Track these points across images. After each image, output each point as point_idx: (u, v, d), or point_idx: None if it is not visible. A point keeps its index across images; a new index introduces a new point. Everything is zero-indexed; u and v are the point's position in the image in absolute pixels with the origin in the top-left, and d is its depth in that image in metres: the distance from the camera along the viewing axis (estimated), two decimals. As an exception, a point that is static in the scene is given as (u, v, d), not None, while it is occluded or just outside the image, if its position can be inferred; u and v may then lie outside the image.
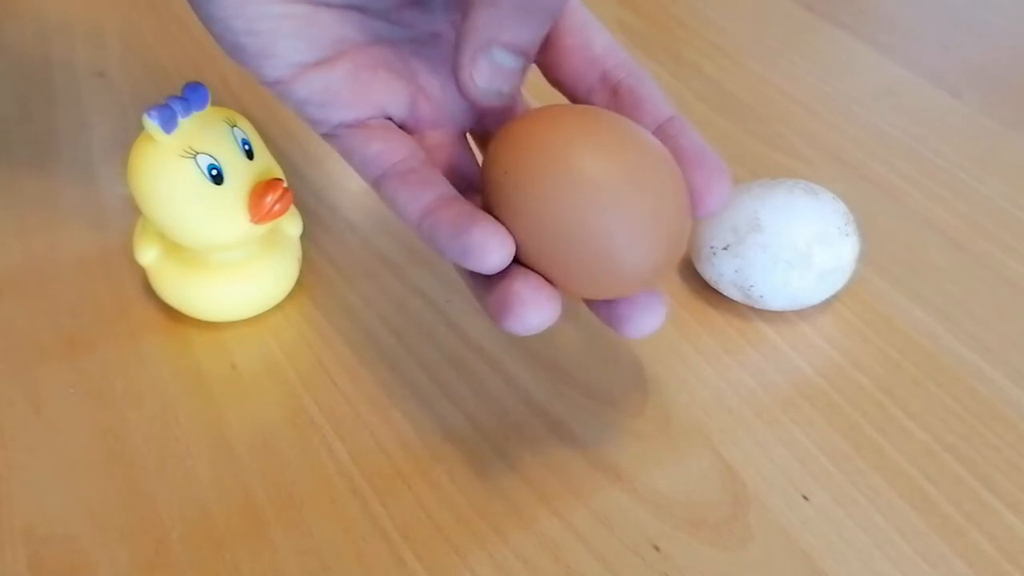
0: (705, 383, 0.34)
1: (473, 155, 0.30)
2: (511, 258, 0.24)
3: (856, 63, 0.52)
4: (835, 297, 0.37)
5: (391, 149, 0.28)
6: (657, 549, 0.29)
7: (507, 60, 0.25)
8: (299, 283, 0.36)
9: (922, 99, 0.50)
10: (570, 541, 0.29)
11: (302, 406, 0.32)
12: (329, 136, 0.29)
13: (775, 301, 0.35)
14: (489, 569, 0.28)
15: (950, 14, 0.58)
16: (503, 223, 0.23)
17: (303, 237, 0.37)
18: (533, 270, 0.24)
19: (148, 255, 0.34)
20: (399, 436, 0.32)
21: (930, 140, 0.46)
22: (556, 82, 0.29)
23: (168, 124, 0.30)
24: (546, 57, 0.29)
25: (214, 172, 0.31)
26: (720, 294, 0.36)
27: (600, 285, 0.23)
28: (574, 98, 0.29)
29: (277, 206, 0.32)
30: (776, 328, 0.36)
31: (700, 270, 0.36)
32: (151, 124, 0.30)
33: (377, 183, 0.27)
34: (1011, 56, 0.54)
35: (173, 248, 0.34)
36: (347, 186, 0.42)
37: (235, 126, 0.32)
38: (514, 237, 0.23)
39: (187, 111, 0.31)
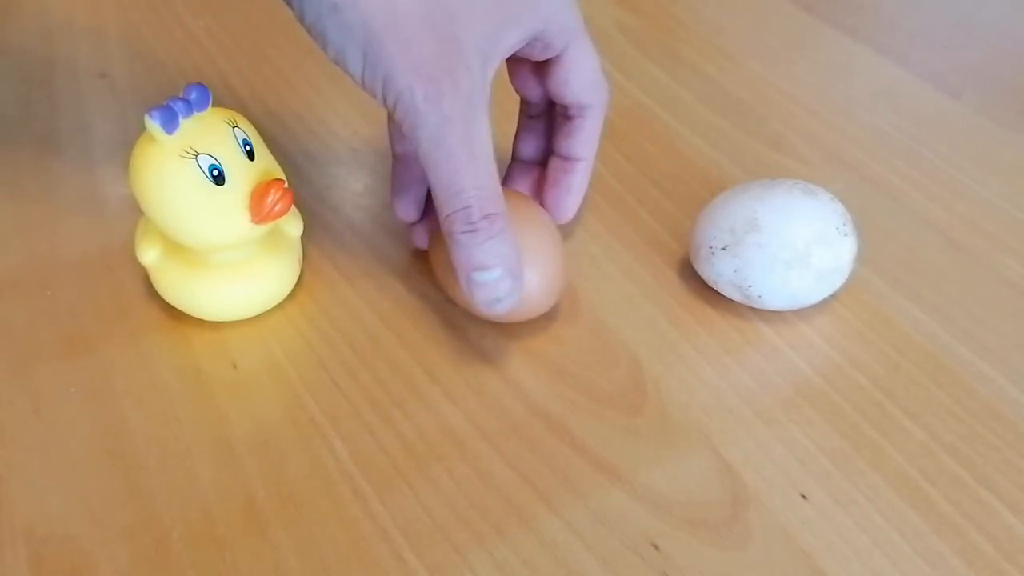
0: (705, 383, 0.34)
1: None
2: (416, 219, 0.37)
3: (856, 63, 0.52)
4: (834, 297, 0.37)
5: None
6: (656, 548, 0.29)
7: (484, 277, 0.31)
8: (300, 283, 0.37)
9: (922, 99, 0.50)
10: (570, 540, 0.29)
11: (302, 406, 0.32)
12: None
13: (774, 301, 0.35)
14: (489, 568, 0.28)
15: (950, 14, 0.58)
16: (448, 269, 0.32)
17: (304, 237, 0.37)
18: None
19: (149, 255, 0.34)
20: (399, 436, 0.32)
21: (929, 140, 0.46)
22: (526, 99, 0.38)
23: (169, 125, 0.30)
24: (531, 79, 0.36)
25: (215, 172, 0.31)
26: (719, 294, 0.36)
27: (516, 315, 0.33)
28: (528, 110, 0.38)
29: (278, 206, 0.32)
30: (775, 328, 0.36)
31: (699, 270, 0.36)
32: (152, 125, 0.30)
33: (389, 117, 0.34)
34: (1011, 56, 0.54)
35: (174, 248, 0.34)
36: (348, 186, 0.42)
37: (236, 127, 0.32)
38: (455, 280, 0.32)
39: (188, 112, 0.31)
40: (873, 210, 0.42)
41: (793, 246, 0.34)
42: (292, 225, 0.36)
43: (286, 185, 0.32)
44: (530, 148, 0.39)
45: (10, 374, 0.33)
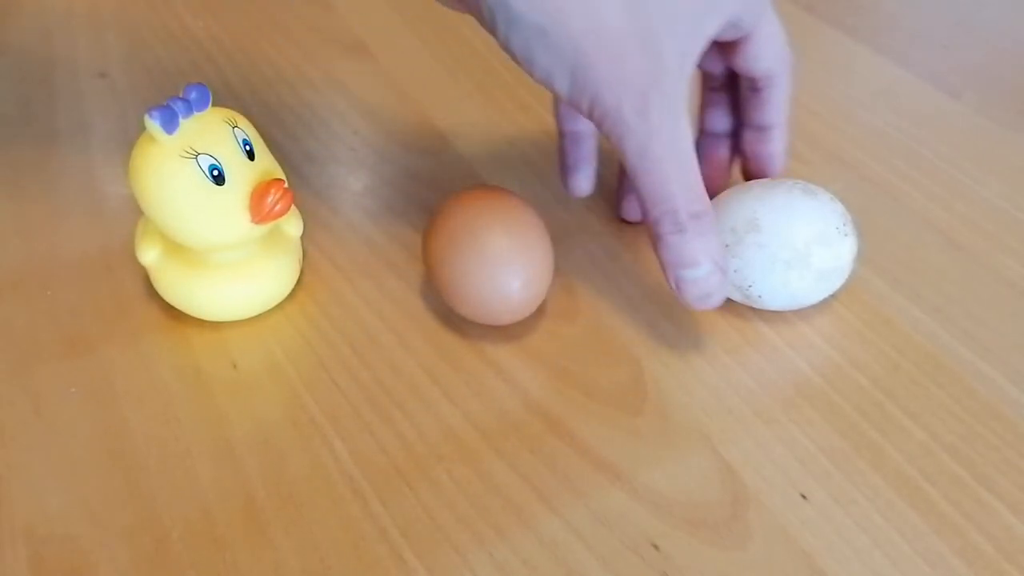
0: (705, 383, 0.34)
1: None
2: (589, 193, 0.39)
3: (856, 64, 0.52)
4: (834, 297, 0.37)
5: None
6: (656, 548, 0.29)
7: (694, 274, 0.32)
8: (300, 283, 0.37)
9: (922, 100, 0.50)
10: (570, 540, 0.29)
11: (302, 406, 0.32)
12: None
13: (774, 301, 0.35)
14: (489, 568, 0.28)
15: (950, 14, 0.58)
16: (442, 269, 0.33)
17: (304, 237, 0.37)
18: (458, 305, 0.34)
19: (149, 255, 0.34)
20: (399, 436, 0.32)
21: (929, 140, 0.46)
22: (708, 73, 0.38)
23: (169, 125, 0.30)
24: (714, 55, 0.37)
25: (215, 172, 0.31)
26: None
27: (500, 318, 0.34)
28: (710, 83, 0.39)
29: (278, 206, 0.32)
30: (775, 328, 0.36)
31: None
32: (152, 125, 0.30)
33: (555, 97, 0.37)
34: (1011, 56, 0.54)
35: (174, 248, 0.34)
36: (348, 186, 0.42)
37: (236, 127, 0.32)
38: (447, 281, 0.33)
39: (188, 112, 0.31)
40: (873, 210, 0.42)
41: (793, 246, 0.33)
42: (292, 225, 0.36)
43: (286, 185, 0.32)
44: (719, 121, 0.39)
45: (10, 374, 0.33)
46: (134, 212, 0.34)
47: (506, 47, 0.31)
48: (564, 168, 0.39)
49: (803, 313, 0.36)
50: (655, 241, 0.32)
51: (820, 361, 0.35)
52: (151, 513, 0.29)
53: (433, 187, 0.42)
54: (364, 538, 0.29)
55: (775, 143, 0.38)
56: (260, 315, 0.35)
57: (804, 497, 0.30)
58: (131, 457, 0.30)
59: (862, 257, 0.38)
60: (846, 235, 0.35)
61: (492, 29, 0.31)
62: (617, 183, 0.39)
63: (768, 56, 0.35)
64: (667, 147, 0.31)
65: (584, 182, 0.38)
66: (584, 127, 0.38)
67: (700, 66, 0.38)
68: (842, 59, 0.53)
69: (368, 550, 0.28)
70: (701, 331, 0.36)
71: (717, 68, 0.38)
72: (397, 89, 0.48)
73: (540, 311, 0.35)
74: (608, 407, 0.33)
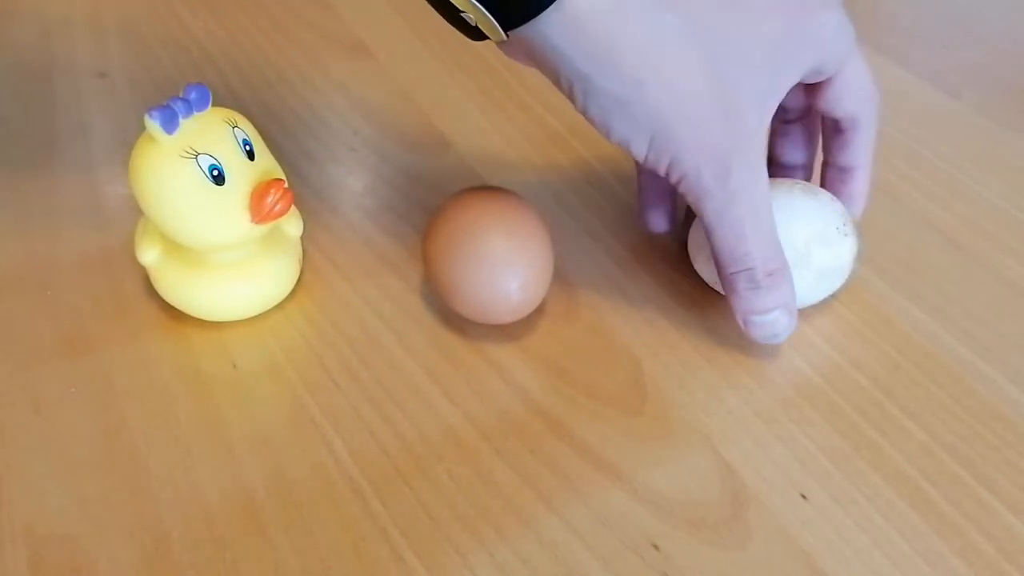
0: (704, 383, 0.34)
1: None
2: (667, 230, 0.39)
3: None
4: (834, 297, 0.37)
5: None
6: (656, 548, 0.29)
7: (764, 319, 0.33)
8: (299, 283, 0.37)
9: (921, 99, 0.50)
10: (570, 540, 0.29)
11: (302, 406, 0.32)
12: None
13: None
14: (489, 568, 0.28)
15: (950, 14, 0.58)
16: (442, 269, 0.33)
17: (304, 237, 0.37)
18: (457, 305, 0.34)
19: (149, 255, 0.34)
20: (399, 436, 0.32)
21: (929, 140, 0.46)
22: (783, 106, 0.37)
23: (169, 125, 0.30)
24: (803, 93, 0.36)
25: (215, 172, 0.31)
26: (719, 294, 0.36)
27: (500, 318, 0.34)
28: (785, 115, 0.38)
29: (278, 206, 0.32)
30: (804, 307, 0.36)
31: (699, 270, 0.36)
32: (152, 125, 0.30)
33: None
34: (1011, 56, 0.54)
35: (174, 248, 0.34)
36: (348, 186, 0.42)
37: (236, 127, 0.32)
38: (447, 281, 0.33)
39: (188, 112, 0.31)
40: (873, 210, 0.42)
41: (793, 246, 0.33)
42: (292, 225, 0.36)
43: (286, 185, 0.32)
44: (791, 153, 0.39)
45: (10, 374, 0.33)
46: (134, 212, 0.34)
47: (584, 114, 0.31)
48: (643, 204, 0.38)
49: (803, 313, 0.36)
50: (728, 291, 0.33)
51: (820, 361, 0.35)
52: (151, 513, 0.29)
53: (433, 187, 0.42)
54: (364, 538, 0.29)
55: (857, 184, 0.37)
56: (260, 315, 0.35)
57: (804, 497, 0.30)
58: (131, 457, 0.30)
59: (862, 257, 0.38)
60: (846, 235, 0.35)
61: (570, 96, 0.31)
62: (638, 193, 0.38)
63: (851, 98, 0.34)
64: (746, 210, 0.31)
65: (661, 219, 0.38)
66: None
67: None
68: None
69: (368, 550, 0.28)
70: (701, 331, 0.36)
71: (795, 103, 0.37)
72: (397, 89, 0.48)
73: (540, 311, 0.35)
74: (608, 407, 0.33)
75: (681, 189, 0.31)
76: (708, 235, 0.32)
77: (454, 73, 0.49)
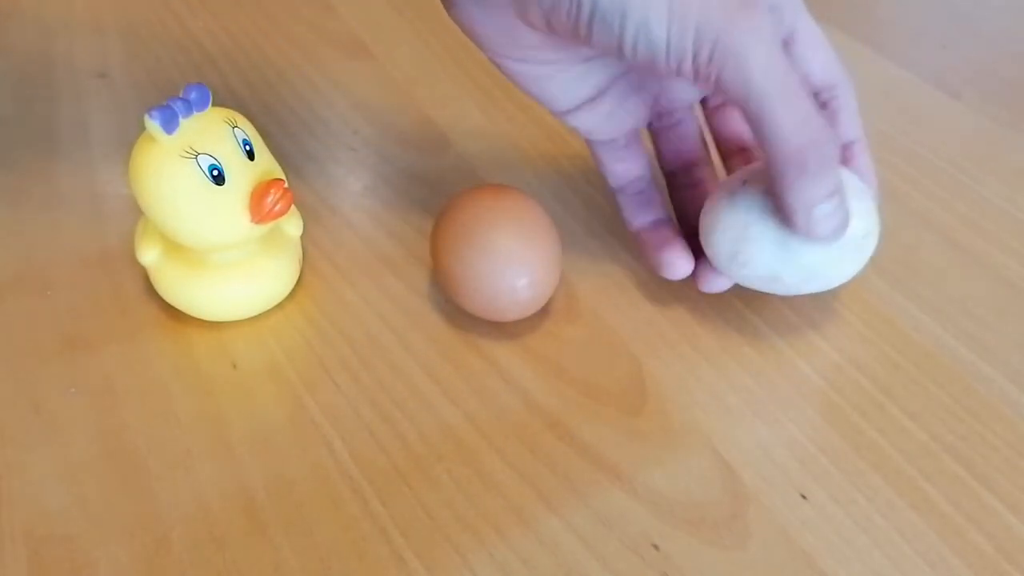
0: (704, 383, 0.34)
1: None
2: (690, 272, 0.36)
3: (856, 63, 0.52)
4: (834, 297, 0.37)
5: (630, 168, 0.37)
6: (656, 548, 0.29)
7: (827, 208, 0.30)
8: (299, 283, 0.37)
9: (922, 99, 0.50)
10: (570, 540, 0.29)
11: (302, 406, 0.32)
12: (588, 143, 0.37)
13: (800, 282, 0.33)
14: (489, 568, 0.28)
15: (950, 14, 0.58)
16: (450, 264, 0.33)
17: (303, 237, 0.37)
18: (464, 301, 0.34)
19: (149, 255, 0.34)
20: (399, 436, 0.32)
21: (929, 140, 0.46)
22: None
23: (169, 125, 0.30)
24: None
25: (215, 172, 0.31)
26: (720, 294, 0.36)
27: (506, 315, 0.34)
28: None
29: (278, 206, 0.32)
30: (775, 328, 0.36)
31: (712, 253, 0.34)
32: (152, 125, 0.30)
33: (615, 191, 0.38)
34: (1011, 56, 0.54)
35: (174, 248, 0.34)
36: (347, 186, 0.42)
37: (236, 126, 0.32)
38: (455, 276, 0.33)
39: (188, 112, 0.31)
40: (873, 210, 0.42)
41: None
42: (292, 225, 0.36)
43: (286, 185, 0.32)
44: None
45: (10, 374, 0.33)
46: (134, 212, 0.34)
47: (593, 12, 0.28)
48: (656, 254, 0.36)
49: (803, 313, 0.36)
50: (794, 172, 0.29)
51: (820, 361, 0.35)
52: (151, 513, 0.29)
53: (433, 187, 0.42)
54: (364, 538, 0.29)
55: (860, 157, 0.35)
56: (260, 315, 0.35)
57: (804, 497, 0.30)
58: (131, 457, 0.30)
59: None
60: (873, 200, 0.33)
61: (576, 6, 0.28)
62: (643, 249, 0.37)
63: (818, 59, 0.33)
64: (788, 66, 0.28)
65: (682, 258, 0.36)
66: (658, 213, 0.37)
67: (734, 133, 0.37)
68: (842, 59, 0.53)
69: (368, 550, 0.28)
70: (701, 331, 0.36)
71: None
72: (397, 89, 0.48)
73: (541, 311, 0.35)
74: (608, 407, 0.33)
75: (716, 66, 0.28)
76: (759, 110, 0.28)
77: (454, 73, 0.49)
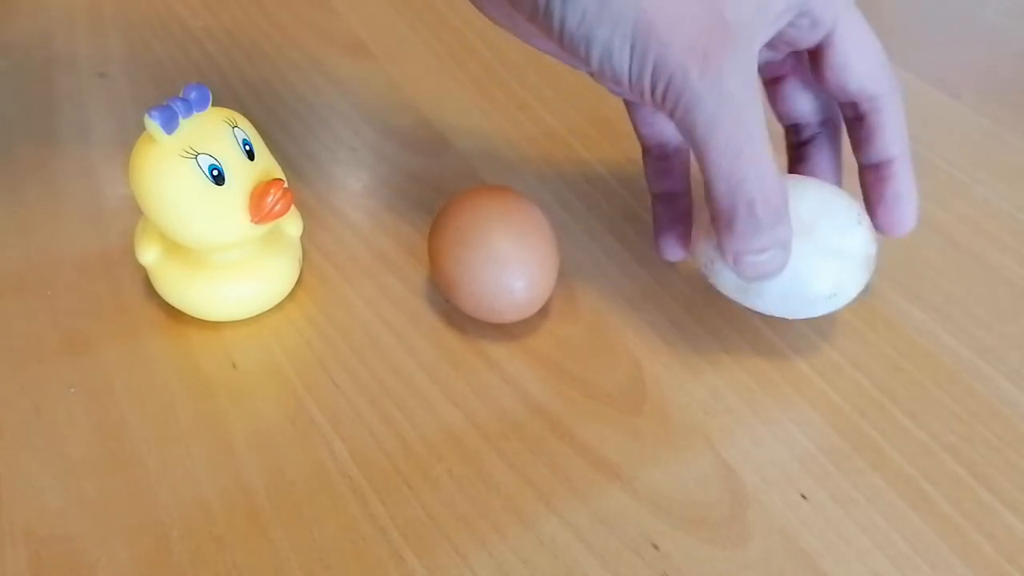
0: (704, 383, 0.34)
1: None
2: (678, 259, 0.36)
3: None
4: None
5: (654, 133, 0.36)
6: (656, 548, 0.29)
7: (759, 259, 0.30)
8: (299, 283, 0.37)
9: (921, 99, 0.50)
10: (569, 540, 0.29)
11: (302, 406, 0.32)
12: (626, 102, 0.36)
13: (772, 287, 0.32)
14: (489, 568, 0.28)
15: (950, 14, 0.58)
16: (447, 266, 0.33)
17: (303, 237, 0.37)
18: (462, 303, 0.34)
19: (149, 255, 0.34)
20: (399, 436, 0.32)
21: (929, 140, 0.46)
22: (797, 123, 0.35)
23: (169, 124, 0.30)
24: (801, 73, 0.34)
25: (215, 172, 0.31)
26: (720, 294, 0.36)
27: (504, 316, 0.34)
28: (799, 136, 0.36)
29: (278, 206, 0.32)
30: (775, 328, 0.36)
31: (697, 255, 0.34)
32: (152, 124, 0.30)
33: (643, 151, 0.37)
34: (1011, 56, 0.54)
35: (174, 248, 0.34)
36: (347, 186, 0.42)
37: (236, 126, 0.32)
38: (452, 278, 0.33)
39: (188, 111, 0.31)
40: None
41: (798, 215, 0.31)
42: (292, 225, 0.36)
43: (286, 185, 0.32)
44: (828, 174, 0.35)
45: (10, 374, 0.33)
46: (134, 212, 0.34)
47: (562, 31, 0.29)
48: (656, 231, 0.36)
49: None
50: (723, 227, 0.30)
51: (820, 361, 0.35)
52: (151, 513, 0.29)
53: (433, 187, 0.42)
54: (364, 538, 0.29)
55: (898, 180, 0.33)
56: (260, 315, 0.35)
57: (804, 497, 0.30)
58: (131, 457, 0.30)
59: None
60: (860, 223, 0.32)
61: (547, 15, 0.28)
62: (653, 221, 0.37)
63: (860, 63, 0.31)
64: (739, 121, 0.28)
65: (676, 246, 0.36)
66: (675, 185, 0.36)
67: (785, 114, 0.35)
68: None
69: (368, 550, 0.28)
70: (701, 331, 0.36)
71: (805, 107, 0.34)
72: (397, 89, 0.48)
73: (541, 311, 0.35)
74: (608, 407, 0.33)
75: (668, 102, 0.28)
76: (700, 158, 0.29)
77: (454, 73, 0.49)
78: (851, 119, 0.33)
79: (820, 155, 0.35)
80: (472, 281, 0.33)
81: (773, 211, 0.29)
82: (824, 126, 0.35)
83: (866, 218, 0.32)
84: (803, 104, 0.34)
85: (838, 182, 0.35)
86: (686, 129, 0.29)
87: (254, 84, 0.48)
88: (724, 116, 0.28)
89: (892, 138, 0.32)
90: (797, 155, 0.36)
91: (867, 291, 0.38)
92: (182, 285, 0.34)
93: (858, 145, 0.33)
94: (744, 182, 0.28)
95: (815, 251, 0.31)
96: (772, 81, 0.35)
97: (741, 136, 0.28)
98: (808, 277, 0.31)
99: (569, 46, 0.29)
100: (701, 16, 0.28)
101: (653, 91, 0.28)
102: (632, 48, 0.28)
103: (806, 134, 0.35)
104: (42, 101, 0.46)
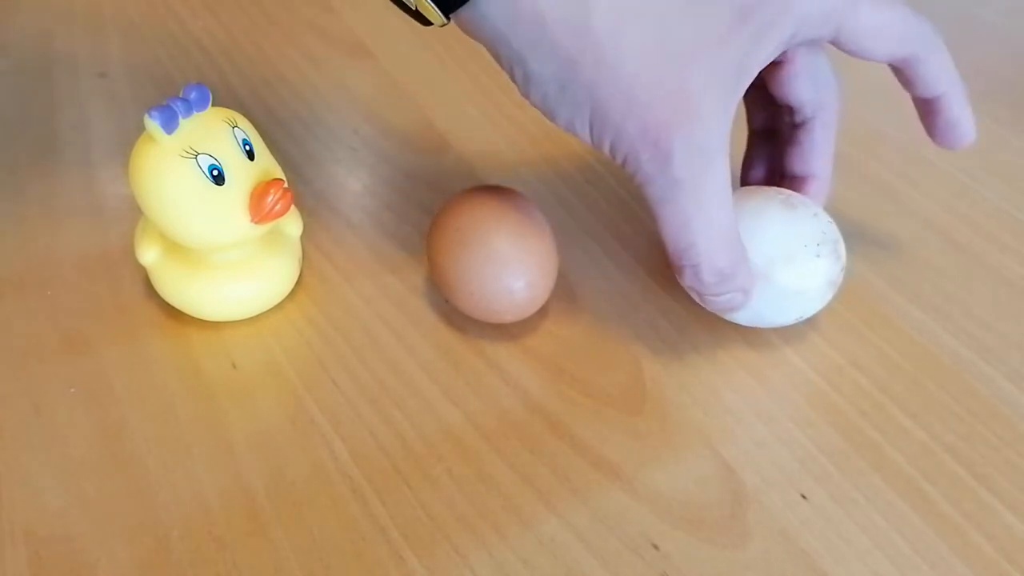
0: (704, 383, 0.34)
1: None
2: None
3: (854, 63, 0.52)
4: (834, 298, 0.37)
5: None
6: (656, 548, 0.29)
7: (718, 299, 0.32)
8: (299, 283, 0.37)
9: (922, 99, 0.50)
10: (569, 540, 0.29)
11: (302, 406, 0.32)
12: None
13: (739, 315, 0.34)
14: (489, 568, 0.28)
15: (950, 14, 0.58)
16: (446, 266, 0.33)
17: (303, 237, 0.37)
18: (461, 303, 0.34)
19: (149, 255, 0.34)
20: (399, 436, 0.32)
21: (928, 140, 0.46)
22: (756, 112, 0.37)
23: (169, 124, 0.30)
24: (803, 58, 0.34)
25: (215, 172, 0.31)
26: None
27: (503, 316, 0.34)
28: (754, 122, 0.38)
29: (278, 206, 0.32)
30: (775, 328, 0.36)
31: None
32: (152, 124, 0.30)
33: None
34: (1011, 56, 0.54)
35: (174, 248, 0.34)
36: (347, 186, 0.42)
37: (236, 126, 0.32)
38: (451, 279, 0.33)
39: (188, 111, 0.31)
40: (873, 210, 0.42)
41: (753, 261, 0.32)
42: (292, 225, 0.36)
43: (286, 185, 0.32)
44: (800, 163, 0.36)
45: (10, 374, 0.33)
46: (134, 212, 0.34)
47: (526, 98, 0.30)
48: (745, 164, 0.39)
49: (803, 313, 0.36)
50: (677, 275, 0.32)
51: (820, 361, 0.35)
52: (151, 513, 0.29)
53: (433, 187, 0.42)
54: (364, 538, 0.29)
55: (950, 111, 0.34)
56: (260, 315, 0.35)
57: (804, 497, 0.30)
58: (131, 457, 0.30)
59: (861, 257, 0.38)
60: (817, 256, 0.32)
61: (512, 80, 0.30)
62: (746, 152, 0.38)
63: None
64: (690, 198, 0.29)
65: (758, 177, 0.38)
66: (760, 125, 0.38)
67: (784, 96, 0.35)
68: (841, 59, 0.53)
69: (368, 550, 0.28)
70: (701, 331, 0.36)
71: (804, 93, 0.34)
72: (397, 89, 0.48)
73: (541, 311, 0.35)
74: (608, 407, 0.33)
75: (629, 172, 0.30)
76: (654, 221, 0.31)
77: (454, 73, 0.49)
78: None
79: (810, 141, 0.35)
80: (472, 281, 0.33)
81: (718, 273, 0.31)
82: (820, 110, 0.35)
83: (826, 246, 0.32)
84: (800, 89, 0.34)
85: (828, 171, 0.36)
86: (643, 196, 0.30)
87: (254, 84, 0.48)
88: (671, 197, 0.30)
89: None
90: (791, 137, 0.36)
91: (868, 291, 0.38)
92: (182, 285, 0.34)
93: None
94: (690, 249, 0.30)
95: (775, 295, 0.32)
96: (772, 65, 0.35)
97: (690, 210, 0.30)
98: (772, 314, 0.33)
99: (535, 106, 0.31)
100: (660, 102, 0.28)
101: (615, 159, 0.30)
102: (591, 128, 0.30)
103: (800, 117, 0.35)
104: (42, 101, 0.46)
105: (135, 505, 0.29)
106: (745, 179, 0.39)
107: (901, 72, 0.33)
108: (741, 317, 0.34)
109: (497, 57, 0.30)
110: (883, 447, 0.32)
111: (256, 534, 0.29)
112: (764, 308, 0.33)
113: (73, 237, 0.38)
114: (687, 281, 0.32)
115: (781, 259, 0.32)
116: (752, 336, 0.36)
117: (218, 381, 0.33)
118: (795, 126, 0.35)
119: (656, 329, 0.36)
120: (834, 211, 0.41)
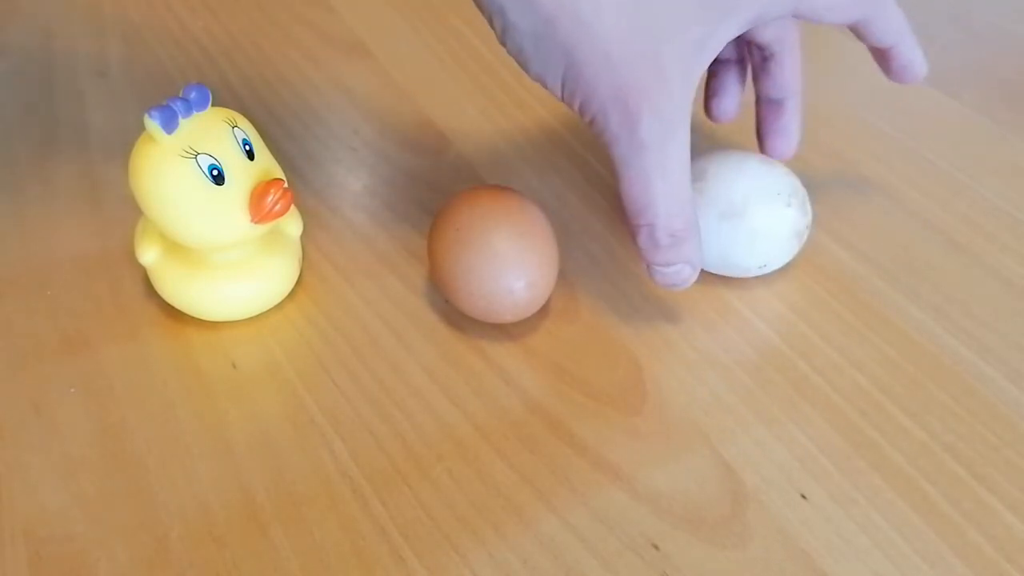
0: (703, 382, 0.34)
1: None
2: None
3: (854, 63, 0.52)
4: (834, 296, 0.37)
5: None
6: (656, 548, 0.29)
7: (666, 270, 0.33)
8: (299, 283, 0.37)
9: (920, 99, 0.50)
10: (569, 540, 0.29)
11: (302, 406, 0.32)
12: None
13: (707, 258, 0.35)
14: (489, 568, 0.28)
15: (949, 14, 0.58)
16: (446, 266, 0.33)
17: (303, 237, 0.37)
18: (462, 303, 0.34)
19: (149, 255, 0.34)
20: (399, 436, 0.32)
21: (928, 140, 0.46)
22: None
23: (169, 124, 0.30)
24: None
25: (215, 172, 0.31)
26: (721, 294, 0.36)
27: (504, 316, 0.34)
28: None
29: (278, 206, 0.32)
30: (775, 328, 0.36)
31: None
32: (152, 124, 0.30)
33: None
34: (1011, 56, 0.54)
35: (174, 248, 0.34)
36: (347, 186, 0.42)
37: (236, 126, 0.32)
38: (452, 279, 0.33)
39: (188, 111, 0.31)
40: (872, 210, 0.42)
41: (730, 199, 0.34)
42: (292, 225, 0.36)
43: (286, 185, 0.32)
44: (777, 87, 0.37)
45: (10, 374, 0.33)
46: (134, 212, 0.34)
47: (503, 46, 0.31)
48: (707, 94, 0.39)
49: (802, 312, 0.36)
50: (632, 239, 0.33)
51: (820, 361, 0.35)
52: (151, 513, 0.29)
53: (433, 187, 0.42)
54: (364, 538, 0.29)
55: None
56: (260, 315, 0.35)
57: (804, 497, 0.30)
58: (131, 457, 0.30)
59: (861, 257, 0.38)
60: (789, 205, 0.35)
61: (492, 28, 0.31)
62: (706, 82, 0.39)
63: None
64: (654, 164, 0.31)
65: (730, 106, 0.39)
66: (728, 55, 0.38)
67: (753, 39, 0.37)
68: (840, 59, 0.53)
69: (368, 550, 0.28)
70: (701, 331, 0.36)
71: (769, 35, 0.36)
72: (397, 89, 0.48)
73: (541, 311, 0.35)
74: (608, 407, 0.33)
75: (593, 132, 0.31)
76: (616, 182, 0.32)
77: (454, 73, 0.49)
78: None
79: (780, 67, 0.37)
80: (472, 281, 0.33)
81: (670, 236, 0.32)
82: (784, 43, 0.36)
83: (796, 199, 0.35)
84: (766, 32, 0.36)
85: (796, 88, 0.37)
86: (608, 154, 0.32)
87: (254, 84, 0.48)
88: (635, 159, 0.31)
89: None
90: (762, 67, 0.37)
91: (868, 291, 0.38)
92: (182, 285, 0.34)
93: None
94: (648, 208, 0.31)
95: (745, 232, 0.35)
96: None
97: (652, 173, 0.31)
98: (739, 254, 0.35)
99: (510, 54, 0.32)
100: (631, 67, 0.30)
101: (581, 115, 0.31)
102: (563, 84, 0.31)
103: (768, 52, 0.37)
104: (42, 101, 0.46)
105: (135, 505, 0.29)
106: (710, 109, 0.40)
107: (857, 30, 0.35)
108: (710, 262, 0.36)
109: (479, 5, 0.31)
110: (883, 447, 0.32)
111: (256, 534, 0.29)
112: (733, 249, 0.35)
113: (73, 237, 0.38)
114: (642, 242, 0.32)
115: (755, 200, 0.35)
116: (752, 336, 0.36)
117: (218, 381, 0.33)
118: (764, 59, 0.37)
119: (656, 329, 0.36)
120: (833, 210, 0.41)
